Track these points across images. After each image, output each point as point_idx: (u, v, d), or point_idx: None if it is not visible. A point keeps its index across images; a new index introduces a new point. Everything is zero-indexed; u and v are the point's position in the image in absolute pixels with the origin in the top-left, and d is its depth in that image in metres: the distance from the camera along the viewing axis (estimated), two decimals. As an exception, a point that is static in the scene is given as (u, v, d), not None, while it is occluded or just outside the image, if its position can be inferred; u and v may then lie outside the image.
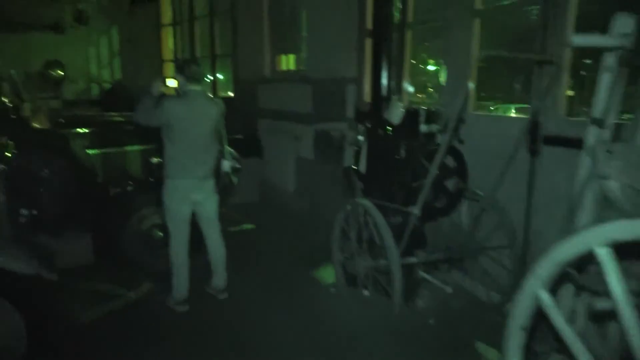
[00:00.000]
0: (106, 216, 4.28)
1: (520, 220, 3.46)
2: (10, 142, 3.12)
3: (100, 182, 4.41)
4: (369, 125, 3.68)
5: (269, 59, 7.21)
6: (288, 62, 7.04)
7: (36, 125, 4.06)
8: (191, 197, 3.61)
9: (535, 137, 3.16)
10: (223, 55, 8.63)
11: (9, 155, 2.89)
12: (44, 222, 3.47)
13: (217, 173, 3.80)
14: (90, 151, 4.42)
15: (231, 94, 8.41)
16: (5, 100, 4.52)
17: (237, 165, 4.13)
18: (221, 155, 3.81)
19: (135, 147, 4.74)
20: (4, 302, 2.41)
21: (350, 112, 5.37)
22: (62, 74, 5.54)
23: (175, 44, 10.21)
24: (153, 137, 4.85)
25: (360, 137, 3.89)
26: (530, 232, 3.44)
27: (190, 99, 3.51)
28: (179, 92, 3.59)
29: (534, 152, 3.25)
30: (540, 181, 3.36)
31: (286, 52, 6.89)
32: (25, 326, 2.51)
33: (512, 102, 6.31)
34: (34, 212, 2.87)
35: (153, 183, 4.37)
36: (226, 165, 3.84)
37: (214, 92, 8.86)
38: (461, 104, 2.98)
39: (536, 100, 3.20)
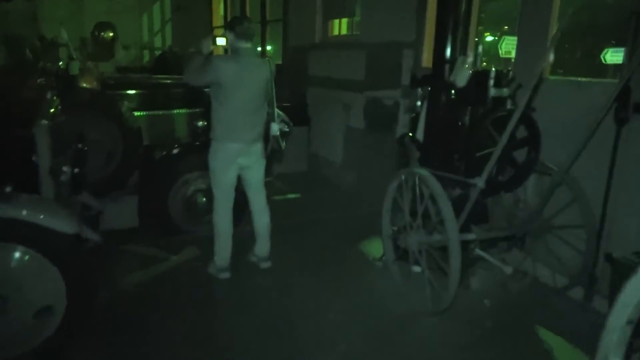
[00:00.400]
0: (151, 179, 4.21)
1: (597, 198, 3.08)
2: (56, 99, 3.02)
3: (146, 145, 4.33)
4: (429, 89, 3.35)
5: (320, 24, 6.90)
6: (340, 27, 6.71)
7: (84, 84, 4.00)
8: (239, 161, 3.44)
9: (625, 103, 2.75)
10: (273, 21, 8.38)
11: (54, 111, 2.78)
12: (89, 183, 3.40)
13: (266, 137, 3.60)
14: (137, 113, 4.34)
15: (280, 62, 8.18)
16: (57, 59, 4.50)
17: (287, 129, 3.91)
18: (270, 117, 3.60)
19: (182, 111, 4.63)
20: (43, 260, 2.33)
21: (405, 78, 5.02)
22: (112, 35, 5.46)
23: (225, 10, 10.04)
24: (199, 101, 4.76)
25: (418, 103, 3.56)
26: (609, 211, 3.05)
27: (240, 57, 3.31)
28: (227, 51, 3.40)
29: (621, 121, 2.83)
30: (626, 154, 2.95)
31: (339, 17, 6.55)
32: (65, 287, 2.43)
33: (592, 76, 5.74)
34: (77, 170, 2.76)
35: (198, 147, 4.26)
36: (275, 128, 3.62)
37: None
38: (539, 71, 2.62)
39: (629, 61, 2.77)
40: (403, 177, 3.21)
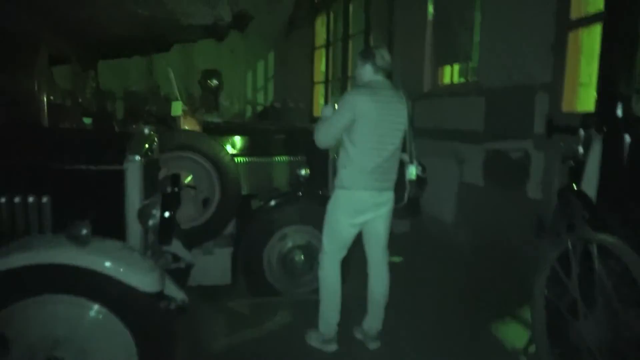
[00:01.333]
0: (247, 231, 3.80)
1: None
2: (152, 135, 2.72)
3: (244, 194, 3.96)
4: (604, 129, 2.60)
5: (430, 72, 6.41)
6: (452, 73, 6.16)
7: (186, 126, 3.78)
8: (366, 213, 2.91)
9: None
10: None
11: (148, 148, 2.46)
12: (181, 231, 3.03)
13: (399, 184, 3.05)
14: (237, 159, 4.02)
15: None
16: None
17: (423, 175, 3.33)
18: (407, 160, 3.09)
19: (283, 158, 4.25)
20: (113, 320, 1.90)
21: (540, 125, 4.27)
22: (217, 82, 5.39)
23: (327, 65, 10.01)
24: (301, 148, 4.37)
25: (580, 149, 2.82)
26: None
27: (378, 91, 2.85)
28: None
29: None
30: None
31: (451, 63, 6.03)
32: (137, 352, 1.96)
33: None
34: (169, 215, 2.37)
35: (298, 198, 3.81)
36: (413, 171, 3.08)
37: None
38: None
39: None
40: (570, 245, 2.43)
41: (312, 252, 3.80)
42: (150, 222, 2.16)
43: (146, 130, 2.46)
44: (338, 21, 9.56)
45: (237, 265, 3.77)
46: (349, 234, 2.98)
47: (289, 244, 3.82)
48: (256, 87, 11.72)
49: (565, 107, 4.06)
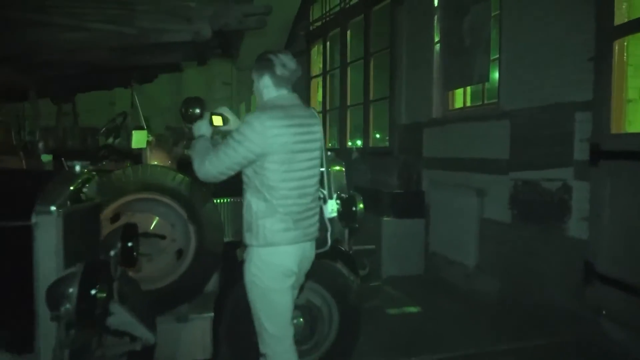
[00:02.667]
0: (233, 290, 3.03)
1: None
2: (85, 174, 2.01)
3: (227, 241, 3.22)
4: None
5: (439, 96, 5.79)
6: (465, 97, 5.53)
7: (153, 161, 3.08)
8: (297, 271, 2.22)
9: None
10: (378, 100, 7.47)
11: (76, 192, 1.74)
12: (138, 298, 2.28)
13: (320, 227, 2.37)
14: (217, 200, 3.30)
15: (386, 144, 7.12)
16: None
17: (339, 207, 2.62)
18: (324, 194, 2.45)
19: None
20: None
21: (581, 152, 3.59)
22: (200, 112, 4.73)
23: (324, 95, 9.44)
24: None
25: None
26: None
27: (288, 112, 2.15)
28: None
29: None
30: None
31: (463, 85, 5.41)
32: None
33: None
34: (100, 296, 1.62)
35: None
36: (334, 207, 2.48)
37: (367, 142, 7.68)
38: None
39: None
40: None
41: (314, 314, 3.05)
42: (64, 308, 1.41)
43: (77, 168, 1.74)
44: (335, 49, 9.04)
45: (219, 334, 2.97)
46: (287, 303, 2.24)
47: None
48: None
49: (615, 129, 3.38)
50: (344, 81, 8.46)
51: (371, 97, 7.59)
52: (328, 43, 9.24)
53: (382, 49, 7.26)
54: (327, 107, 9.31)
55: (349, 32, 8.36)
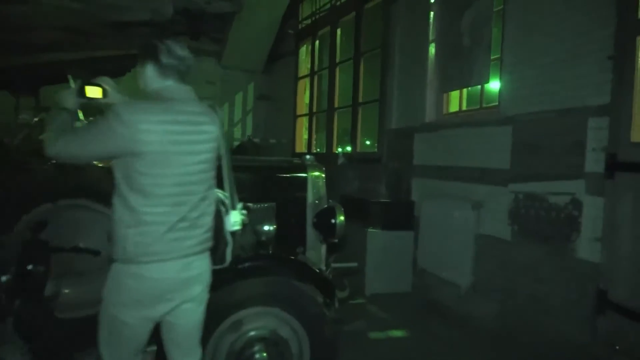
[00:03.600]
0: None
1: None
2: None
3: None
4: None
5: (433, 99, 5.34)
6: (462, 100, 5.09)
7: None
8: (170, 297, 1.81)
9: None
10: (368, 103, 7.01)
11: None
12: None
13: (217, 241, 1.99)
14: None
15: (375, 150, 6.65)
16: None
17: (244, 219, 2.16)
18: (224, 205, 2.02)
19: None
20: None
21: (594, 163, 3.14)
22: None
23: (311, 96, 8.97)
24: (271, 192, 3.19)
25: None
26: None
27: (172, 107, 1.80)
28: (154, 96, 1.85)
29: None
30: None
31: (460, 87, 4.96)
32: None
33: None
34: None
35: (259, 267, 2.57)
36: (237, 219, 2.04)
37: (355, 147, 7.21)
38: None
39: None
40: None
41: (280, 348, 2.54)
42: None
43: None
44: (324, 49, 8.59)
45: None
46: (139, 335, 1.84)
47: (246, 335, 2.54)
48: (233, 121, 10.64)
49: (634, 137, 2.93)
50: (332, 82, 7.99)
51: (360, 99, 7.13)
52: (317, 42, 8.79)
53: (373, 48, 6.81)
54: (314, 110, 8.83)
55: (339, 31, 7.92)
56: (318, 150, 8.67)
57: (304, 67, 9.35)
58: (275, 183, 3.17)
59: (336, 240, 3.13)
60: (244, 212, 2.12)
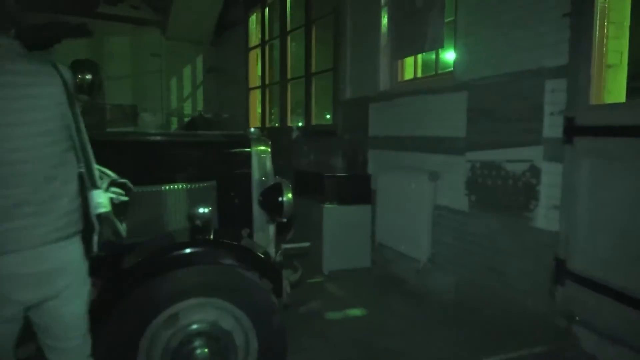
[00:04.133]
0: (115, 310, 2.22)
1: None
2: None
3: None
4: None
5: (387, 67, 5.11)
6: (416, 67, 4.88)
7: None
8: (14, 298, 1.52)
9: None
10: (321, 73, 6.71)
11: None
12: None
13: (87, 223, 1.68)
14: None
15: (330, 122, 6.40)
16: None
17: (124, 197, 1.89)
18: (86, 182, 1.69)
19: (180, 186, 2.72)
20: None
21: (553, 128, 3.01)
22: (92, 78, 3.81)
23: (262, 68, 8.57)
24: (211, 169, 2.90)
25: None
26: None
27: None
28: None
29: None
30: None
31: (414, 53, 4.74)
32: None
33: None
34: None
35: (199, 254, 2.30)
36: (100, 200, 1.70)
37: (309, 120, 6.93)
38: None
39: None
40: None
41: (223, 342, 2.31)
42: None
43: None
44: (274, 16, 8.17)
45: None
46: None
47: (184, 330, 2.28)
48: (182, 95, 10.12)
49: (594, 99, 2.80)
50: (284, 52, 7.62)
51: (313, 69, 6.82)
52: (267, 10, 8.35)
53: (325, 15, 6.48)
54: (267, 82, 8.45)
55: (288, -4, 7.52)
56: (274, 124, 8.35)
57: (255, 37, 8.91)
58: (215, 159, 2.87)
59: (285, 220, 2.89)
60: (116, 190, 1.81)
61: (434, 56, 4.58)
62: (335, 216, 5.05)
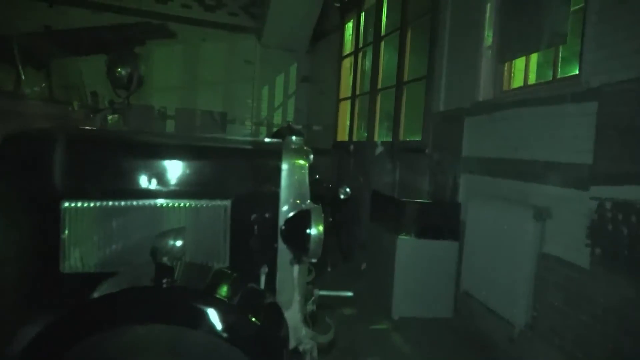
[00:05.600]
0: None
1: None
2: None
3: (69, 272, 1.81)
4: None
5: (490, 71, 4.12)
6: (528, 72, 3.84)
7: None
8: None
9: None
10: (413, 82, 5.86)
11: None
12: None
13: None
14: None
15: (419, 138, 5.50)
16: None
17: None
18: None
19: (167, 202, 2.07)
20: None
21: None
22: (131, 71, 3.38)
23: (354, 77, 7.89)
24: (234, 184, 2.23)
25: None
26: None
27: None
28: None
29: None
30: None
31: (526, 53, 3.71)
32: None
33: None
34: None
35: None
36: None
37: (397, 134, 6.08)
38: None
39: None
40: None
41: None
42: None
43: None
44: (369, 22, 7.47)
45: None
46: None
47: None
48: (273, 105, 9.82)
49: None
50: (376, 59, 6.87)
51: (405, 77, 5.98)
52: (363, 15, 7.69)
53: (422, 14, 5.63)
54: (357, 92, 7.75)
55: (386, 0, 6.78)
56: (361, 138, 7.62)
57: (350, 45, 8.29)
58: (231, 172, 2.20)
59: (313, 261, 2.12)
60: None
61: (552, 56, 3.52)
62: (411, 250, 4.16)
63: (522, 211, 3.20)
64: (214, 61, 9.08)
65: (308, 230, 2.01)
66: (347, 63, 8.30)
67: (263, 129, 9.64)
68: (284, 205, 2.16)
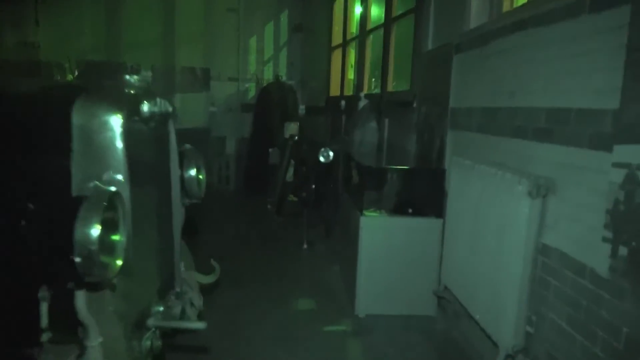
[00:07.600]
0: None
1: None
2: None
3: None
4: None
5: (485, -8, 3.02)
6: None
7: None
8: None
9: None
10: (404, 16, 4.76)
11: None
12: None
13: None
14: None
15: (408, 87, 4.44)
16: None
17: None
18: None
19: None
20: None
21: None
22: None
23: (344, 18, 6.77)
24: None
25: None
26: None
27: None
28: None
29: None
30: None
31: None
32: None
33: None
34: None
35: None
36: None
37: (385, 84, 5.03)
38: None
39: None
40: None
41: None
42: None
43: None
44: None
45: None
46: None
47: None
48: (262, 58, 8.78)
49: None
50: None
51: (394, 12, 4.87)
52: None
53: None
54: (347, 38, 6.65)
55: None
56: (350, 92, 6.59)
57: (341, -17, 7.11)
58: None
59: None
60: None
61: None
62: (379, 231, 3.24)
63: (513, 183, 2.20)
64: (192, 12, 8.07)
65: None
66: (339, 5, 7.16)
67: (252, 86, 8.65)
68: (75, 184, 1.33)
